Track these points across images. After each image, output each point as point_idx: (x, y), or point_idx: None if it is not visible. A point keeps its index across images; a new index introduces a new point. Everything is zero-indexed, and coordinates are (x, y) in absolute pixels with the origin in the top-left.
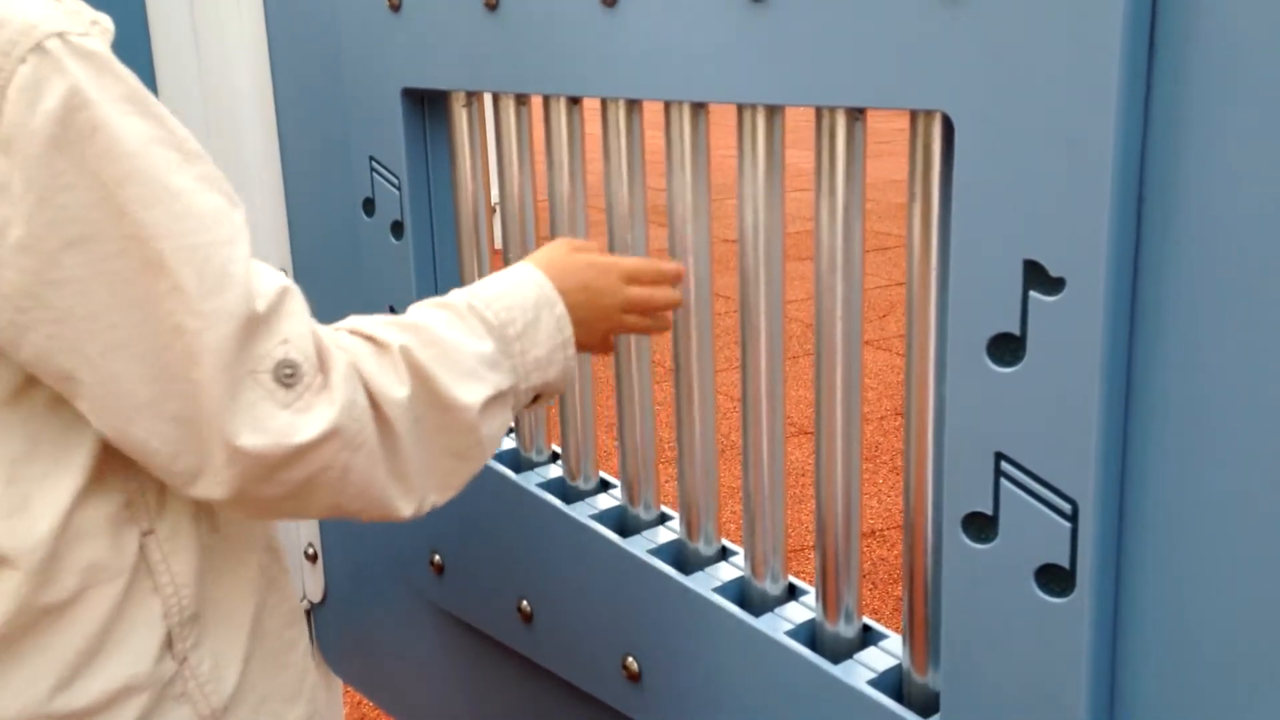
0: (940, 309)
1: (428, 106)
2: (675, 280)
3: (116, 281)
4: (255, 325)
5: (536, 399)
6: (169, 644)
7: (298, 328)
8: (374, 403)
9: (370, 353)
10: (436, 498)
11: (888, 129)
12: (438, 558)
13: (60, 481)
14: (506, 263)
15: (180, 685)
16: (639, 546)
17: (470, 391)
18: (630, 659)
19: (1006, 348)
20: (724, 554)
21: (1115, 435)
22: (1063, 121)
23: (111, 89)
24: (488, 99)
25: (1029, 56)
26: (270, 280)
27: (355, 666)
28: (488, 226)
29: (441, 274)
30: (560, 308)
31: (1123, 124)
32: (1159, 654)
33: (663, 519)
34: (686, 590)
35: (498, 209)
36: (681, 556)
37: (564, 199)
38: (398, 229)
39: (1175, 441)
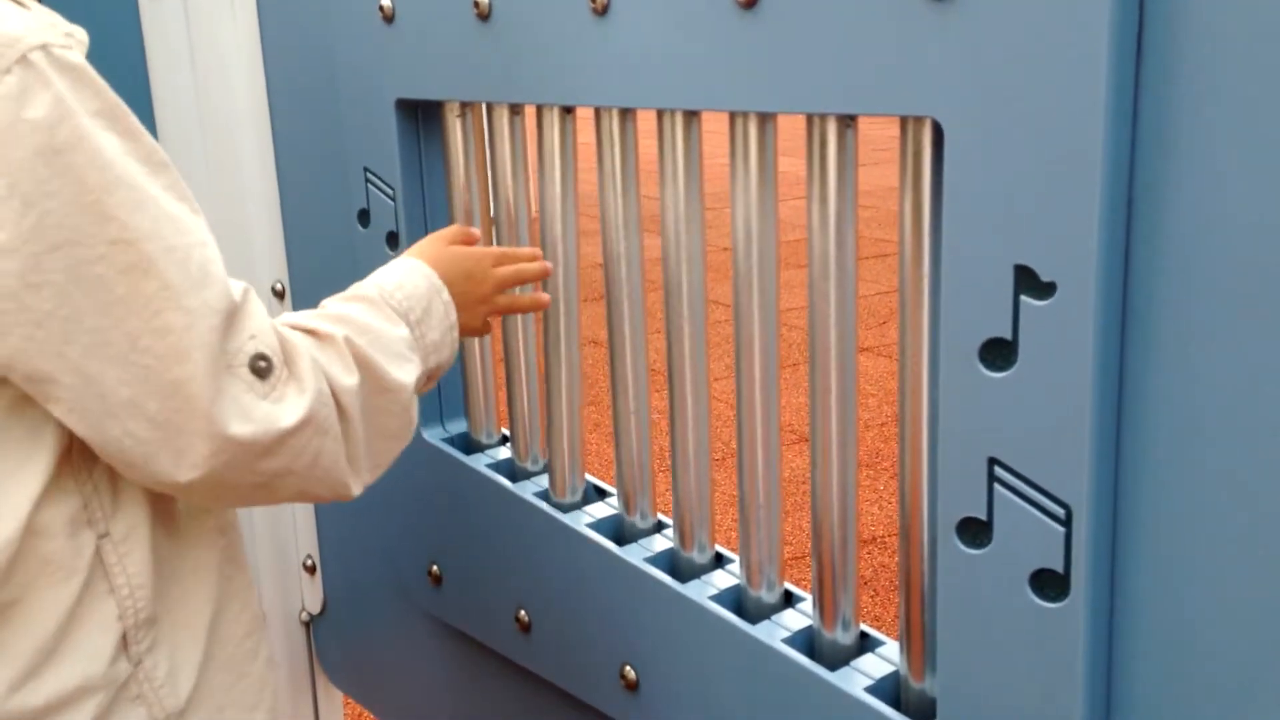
0: (932, 314)
1: (422, 117)
2: (535, 259)
3: (99, 285)
4: (232, 321)
5: (428, 380)
6: (124, 645)
7: (262, 324)
8: (333, 391)
9: (316, 344)
10: (371, 477)
11: (884, 136)
12: (435, 569)
13: (22, 485)
14: None
15: (135, 687)
16: (636, 555)
17: (404, 373)
18: (628, 668)
19: (998, 352)
20: (720, 561)
21: (1108, 439)
22: (1051, 126)
23: (89, 102)
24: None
25: (1017, 62)
26: (234, 281)
27: (354, 678)
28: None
29: None
30: (446, 294)
31: (1111, 128)
32: (1154, 657)
33: (659, 527)
34: (683, 599)
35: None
36: (678, 565)
37: (558, 208)
38: (393, 240)
39: (1168, 445)
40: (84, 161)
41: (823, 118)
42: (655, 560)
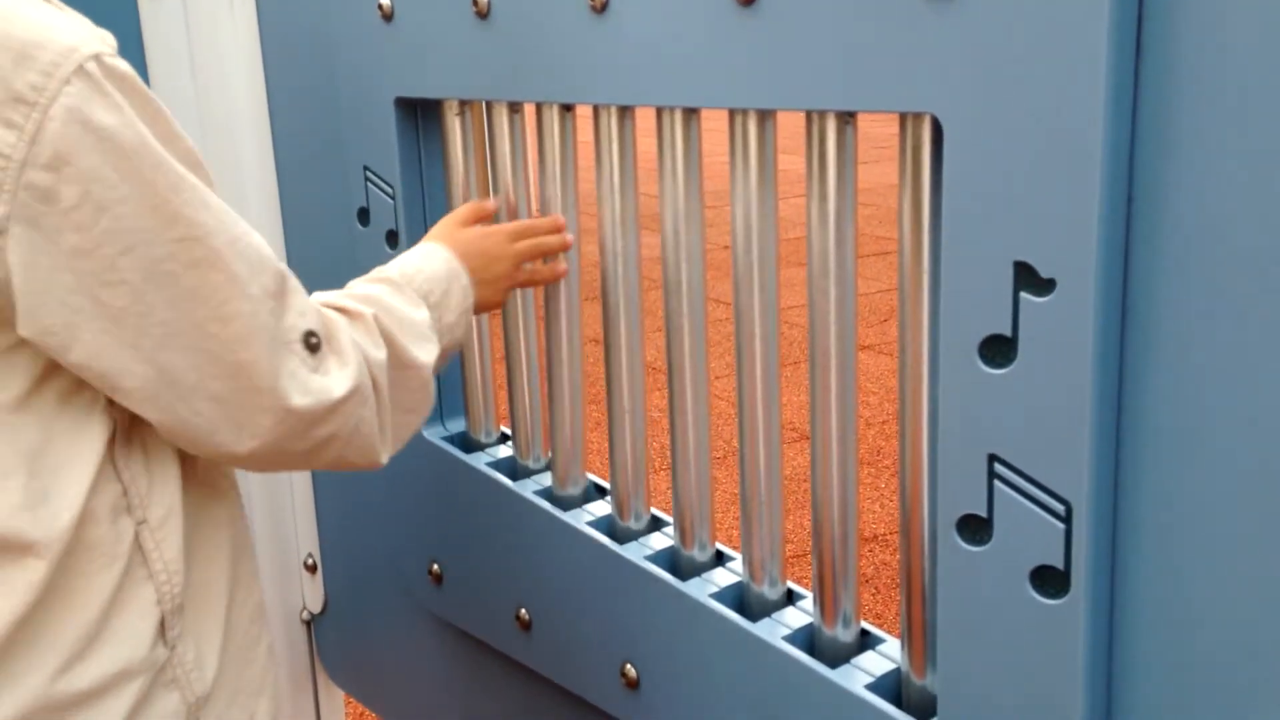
0: (932, 311)
1: (421, 115)
2: (556, 229)
3: (168, 280)
4: (283, 297)
5: (444, 355)
6: (162, 630)
7: (306, 302)
8: (368, 364)
9: (348, 322)
10: (395, 448)
11: (884, 133)
12: (436, 567)
13: (75, 473)
14: None
15: (170, 672)
16: (636, 553)
17: (425, 352)
18: (629, 666)
19: (998, 349)
20: (720, 559)
21: (1108, 435)
22: (1051, 123)
23: (143, 107)
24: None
25: (1017, 59)
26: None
27: (355, 676)
28: None
29: None
30: (465, 278)
31: (1111, 125)
32: (1155, 653)
33: (655, 525)
34: (684, 596)
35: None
36: (679, 563)
37: (558, 206)
38: (393, 238)
39: (1168, 441)
40: (149, 165)
41: (822, 115)
42: (656, 558)
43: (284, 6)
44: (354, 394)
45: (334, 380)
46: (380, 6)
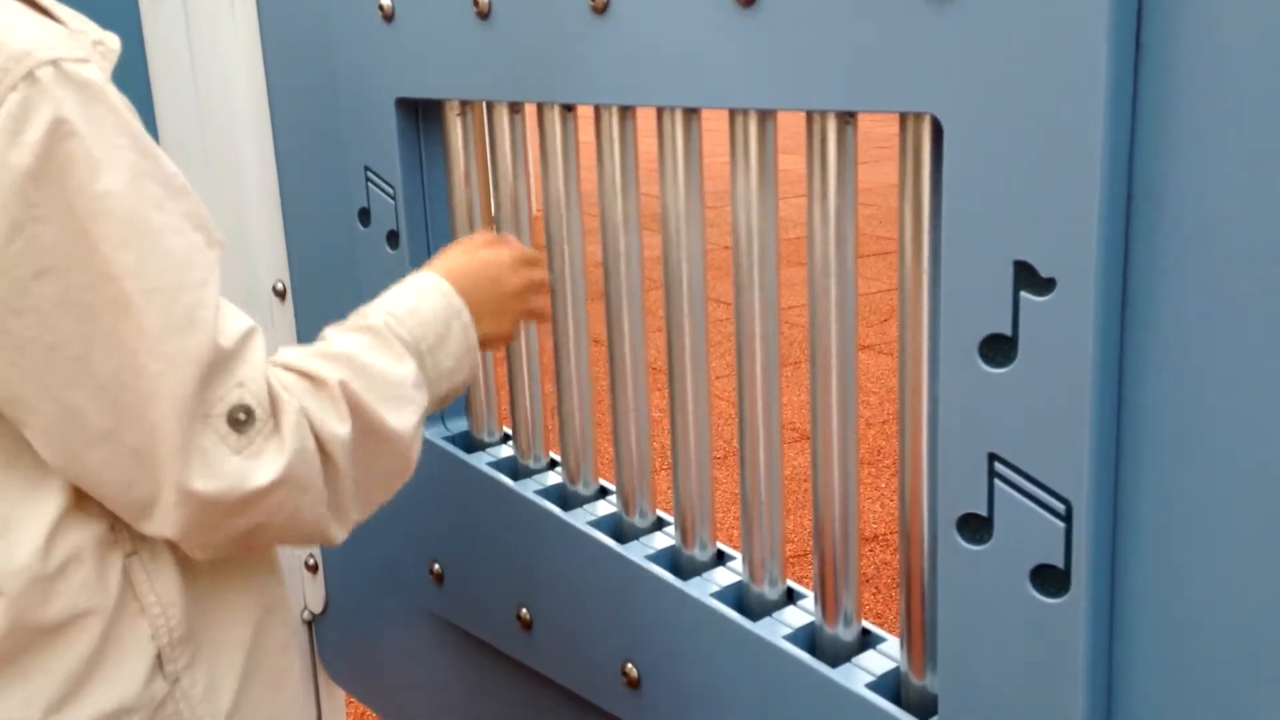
0: (932, 311)
1: (422, 116)
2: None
3: (85, 314)
4: (216, 369)
5: (443, 401)
6: (159, 665)
7: (254, 373)
8: (319, 444)
9: (309, 390)
10: (361, 516)
11: (884, 133)
12: (437, 567)
13: (40, 505)
14: None
15: (172, 706)
16: (637, 553)
17: (404, 418)
18: (630, 665)
19: (998, 348)
20: (721, 559)
21: (1108, 434)
22: (1051, 122)
23: (102, 120)
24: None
25: (1016, 58)
26: (235, 323)
27: (356, 676)
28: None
29: None
30: (466, 315)
31: (1110, 124)
32: (1155, 652)
33: (659, 525)
34: (685, 596)
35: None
36: (680, 562)
37: (558, 206)
38: (393, 239)
39: (1168, 439)
40: (77, 186)
41: (822, 115)
42: (656, 558)
43: (284, 7)
44: (280, 483)
45: (260, 465)
46: (381, 7)
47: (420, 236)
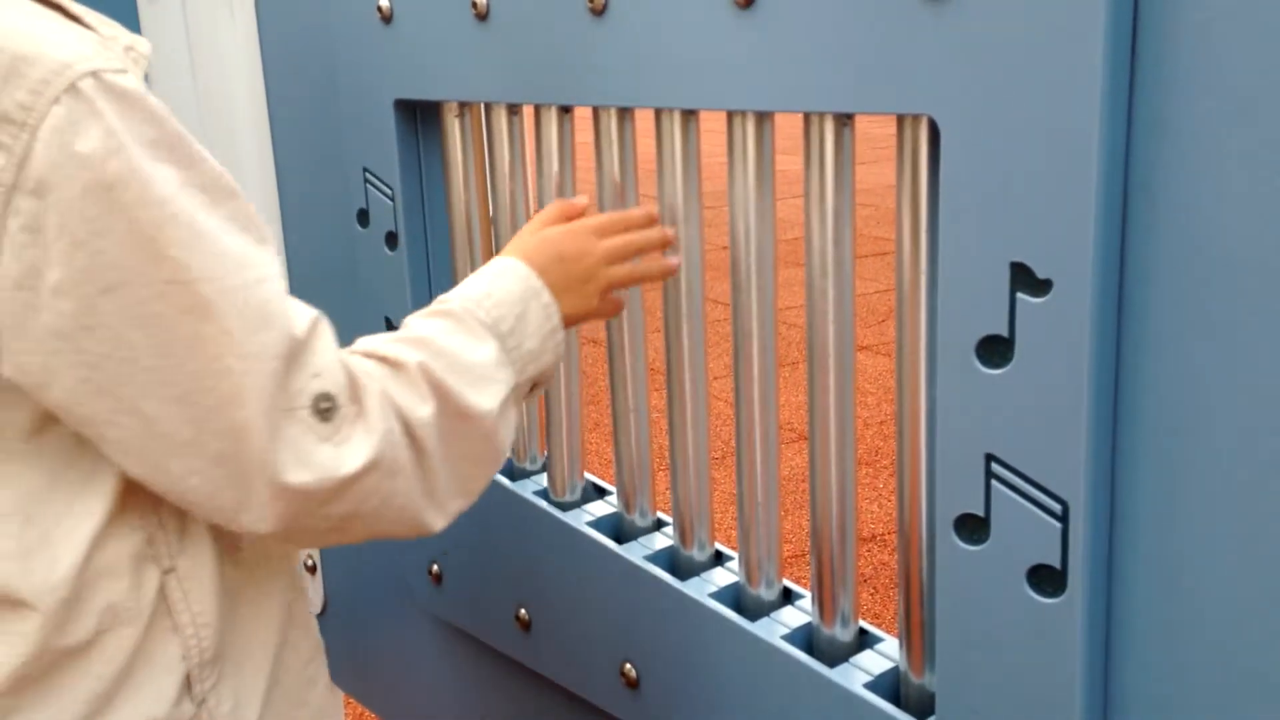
0: (930, 312)
1: (421, 117)
2: (650, 223)
3: (157, 325)
4: (293, 361)
5: (533, 389)
6: (188, 686)
7: (329, 359)
8: (405, 425)
9: (390, 374)
10: (461, 504)
11: (882, 134)
12: (436, 568)
13: (81, 519)
14: None
15: None
16: (636, 553)
17: (487, 397)
18: (628, 665)
19: (995, 349)
20: (720, 559)
21: (1104, 435)
22: (1047, 124)
23: (144, 131)
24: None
25: (1013, 61)
26: (302, 314)
27: (356, 676)
28: (483, 236)
29: (436, 284)
30: (546, 295)
31: (1107, 126)
32: (1152, 652)
33: (659, 525)
34: (683, 596)
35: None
36: (678, 563)
37: None
38: (392, 240)
39: (1164, 440)
40: (135, 198)
41: (820, 116)
42: (655, 558)
43: (283, 8)
44: (373, 468)
45: (350, 451)
46: (379, 8)
47: (419, 238)
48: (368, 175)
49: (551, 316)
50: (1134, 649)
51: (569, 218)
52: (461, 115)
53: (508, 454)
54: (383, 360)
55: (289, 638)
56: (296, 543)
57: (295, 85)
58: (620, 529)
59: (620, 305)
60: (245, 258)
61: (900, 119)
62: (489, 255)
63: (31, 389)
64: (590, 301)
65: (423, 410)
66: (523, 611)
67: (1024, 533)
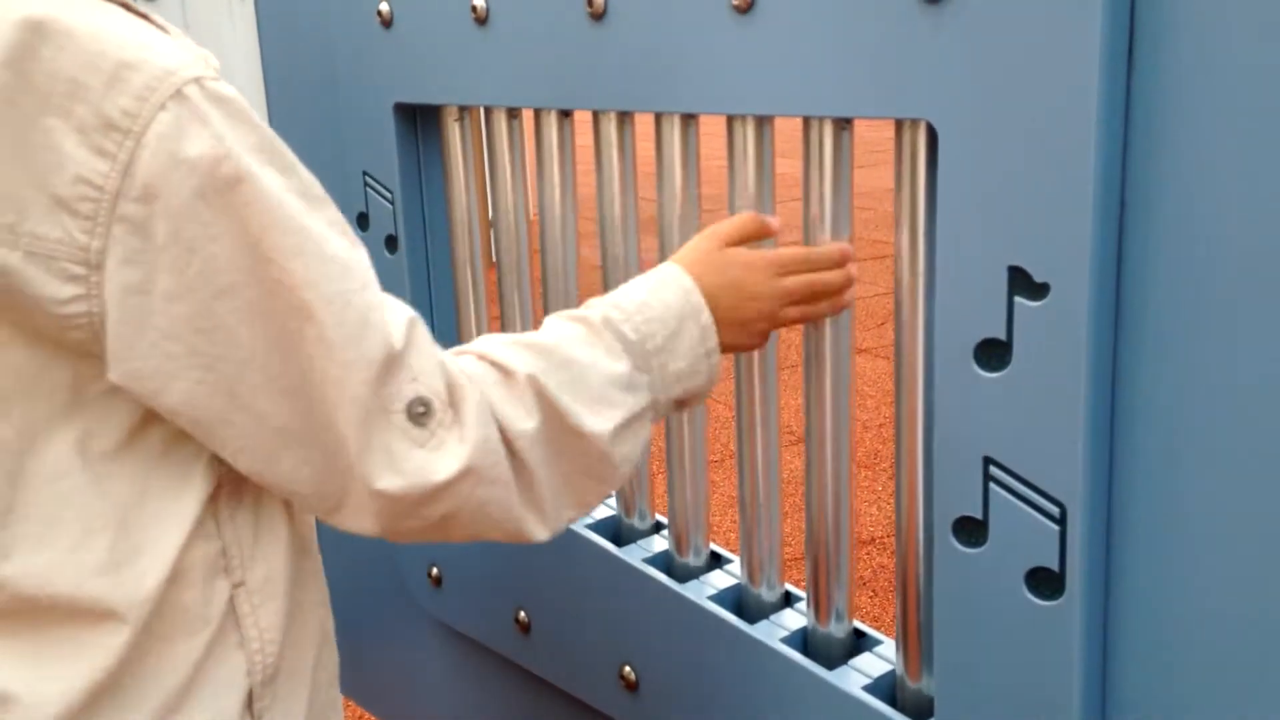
0: (928, 315)
1: (420, 121)
2: (841, 262)
3: (268, 326)
4: (390, 367)
5: (680, 406)
6: (249, 704)
7: (426, 363)
8: (504, 436)
9: (497, 381)
10: (573, 515)
11: (881, 138)
12: (435, 570)
13: (168, 529)
14: (499, 277)
15: None
16: (635, 556)
17: (600, 419)
18: (628, 668)
19: (993, 353)
20: (718, 562)
21: (1102, 438)
22: (1044, 129)
23: (247, 137)
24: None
25: (1010, 65)
26: (399, 316)
27: (355, 679)
28: (483, 240)
29: (436, 287)
30: (706, 316)
31: (1103, 130)
32: (1148, 654)
33: (658, 528)
34: (682, 599)
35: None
36: (677, 565)
37: (556, 211)
38: (391, 243)
39: (1161, 443)
40: (244, 202)
41: (819, 120)
42: (654, 561)
43: (283, 12)
44: (465, 475)
45: (443, 458)
46: (379, 13)
47: (418, 241)
48: (367, 179)
49: (708, 339)
50: (1132, 652)
51: (755, 238)
52: (461, 119)
53: (630, 470)
54: (495, 365)
55: (321, 657)
56: (400, 540)
57: (295, 89)
58: (619, 531)
59: (765, 342)
60: (348, 265)
61: (898, 123)
62: (488, 258)
63: (144, 395)
64: (752, 340)
65: (525, 424)
66: (522, 614)
67: (1022, 535)
